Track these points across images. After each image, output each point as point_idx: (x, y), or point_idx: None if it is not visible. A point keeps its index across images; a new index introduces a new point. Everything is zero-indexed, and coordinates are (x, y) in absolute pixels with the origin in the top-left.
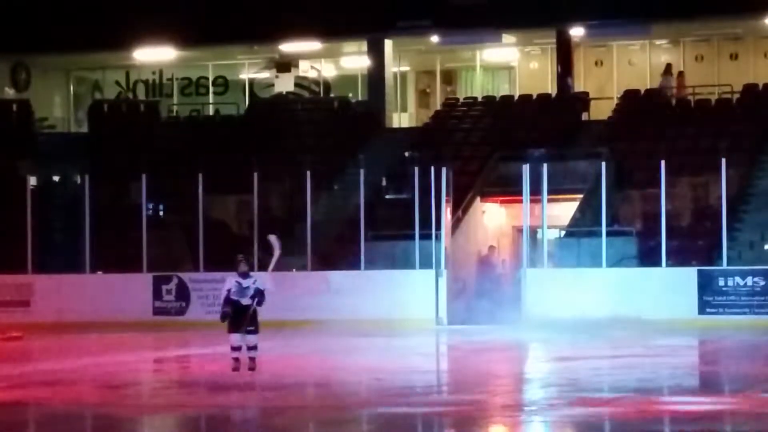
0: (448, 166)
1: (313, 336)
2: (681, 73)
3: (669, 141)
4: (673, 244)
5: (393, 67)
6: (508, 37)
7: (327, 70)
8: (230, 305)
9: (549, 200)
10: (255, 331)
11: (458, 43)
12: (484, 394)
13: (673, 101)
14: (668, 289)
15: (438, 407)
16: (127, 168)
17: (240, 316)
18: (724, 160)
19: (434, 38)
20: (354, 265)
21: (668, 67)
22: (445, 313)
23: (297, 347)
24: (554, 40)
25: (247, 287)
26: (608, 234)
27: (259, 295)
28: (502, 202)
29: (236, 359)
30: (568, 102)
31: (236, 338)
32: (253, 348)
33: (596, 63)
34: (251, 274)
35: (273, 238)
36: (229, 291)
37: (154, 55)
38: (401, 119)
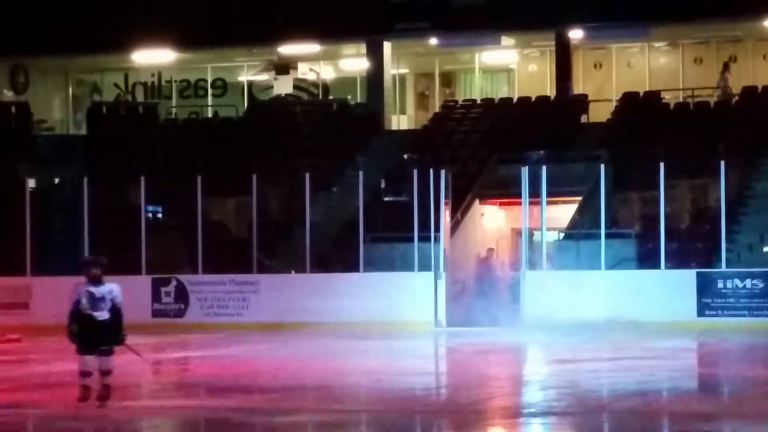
0: (447, 169)
1: (312, 338)
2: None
3: (668, 143)
4: (672, 246)
5: (392, 69)
6: (506, 40)
7: (326, 72)
8: (79, 321)
9: (548, 202)
10: (109, 352)
11: (457, 45)
12: (483, 397)
13: (733, 99)
14: (667, 292)
15: (437, 409)
16: (125, 170)
17: (92, 334)
18: (723, 163)
19: (433, 40)
20: (353, 267)
21: (726, 65)
22: (444, 315)
23: (296, 349)
24: (553, 43)
25: (101, 297)
26: (607, 236)
27: (117, 313)
28: (501, 204)
29: (86, 387)
30: (567, 104)
31: (88, 361)
32: (107, 373)
33: (595, 65)
34: (105, 280)
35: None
36: (77, 303)
37: (153, 58)
38: (400, 121)
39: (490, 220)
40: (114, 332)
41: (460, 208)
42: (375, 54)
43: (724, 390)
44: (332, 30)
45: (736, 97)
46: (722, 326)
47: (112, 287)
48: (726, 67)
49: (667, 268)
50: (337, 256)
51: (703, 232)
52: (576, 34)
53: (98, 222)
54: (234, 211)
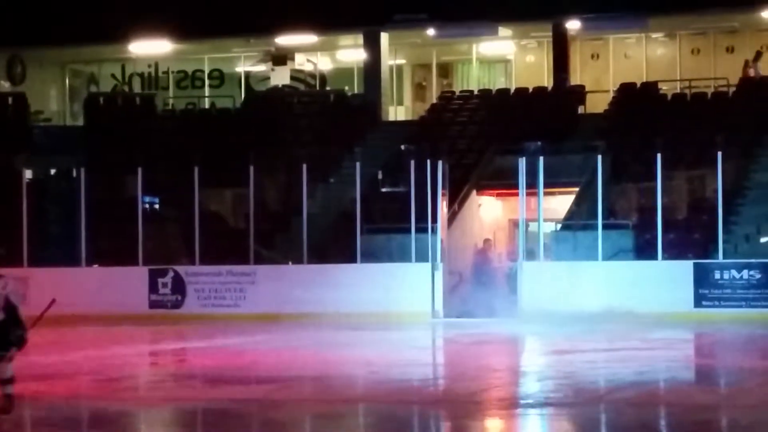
0: (444, 160)
1: (309, 329)
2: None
3: (665, 134)
4: (669, 237)
5: (389, 60)
6: (504, 30)
7: (323, 63)
8: None
9: (545, 193)
10: (6, 358)
11: (454, 36)
12: (480, 387)
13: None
14: (664, 283)
15: (434, 400)
16: (122, 161)
17: None
18: (720, 154)
19: (430, 31)
20: (350, 258)
21: (758, 54)
22: (441, 306)
23: (293, 340)
24: (550, 33)
25: None
26: (604, 227)
27: (11, 311)
28: (498, 195)
29: None
30: (564, 95)
31: None
32: (7, 382)
33: (592, 56)
34: (2, 273)
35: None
36: None
37: (150, 48)
38: (397, 112)
39: (488, 211)
40: (7, 334)
41: (457, 199)
42: (372, 45)
43: (721, 381)
44: (329, 21)
45: (733, 88)
46: (719, 317)
47: (6, 281)
48: (757, 56)
49: (664, 259)
50: (335, 247)
51: (700, 223)
52: (573, 25)
53: (95, 213)
54: (231, 202)
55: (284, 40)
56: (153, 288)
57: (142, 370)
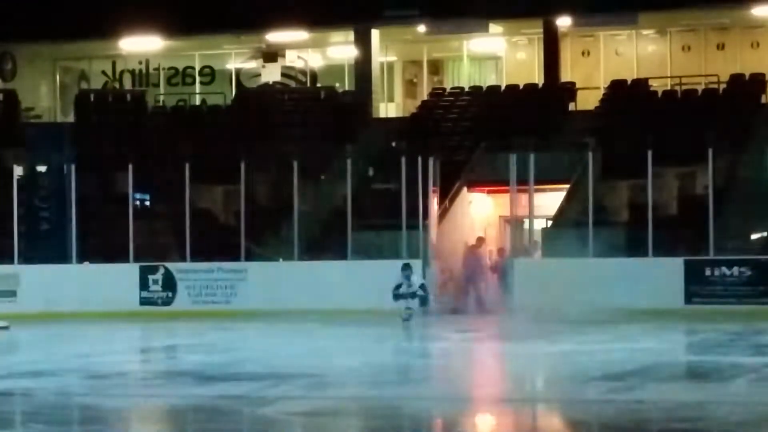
0: (435, 156)
1: (300, 326)
2: None
3: (655, 131)
4: (660, 234)
5: (380, 56)
6: (495, 27)
7: (314, 60)
8: None
9: (536, 190)
10: None
11: (445, 32)
12: (470, 384)
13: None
14: (655, 279)
15: (425, 397)
16: (113, 158)
17: None
18: (710, 150)
19: (421, 28)
20: (341, 255)
21: None
22: (433, 302)
23: (284, 337)
24: (541, 30)
25: None
26: (595, 224)
27: None
28: (489, 192)
29: None
30: (554, 92)
31: None
32: None
33: (583, 53)
34: None
35: None
36: None
37: (141, 45)
38: (388, 109)
39: (478, 207)
40: None
41: (448, 195)
42: (363, 41)
43: (711, 377)
44: (320, 17)
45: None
46: (710, 313)
47: None
48: None
49: (654, 255)
50: (326, 243)
51: (690, 220)
52: (564, 22)
53: (86, 210)
54: (222, 199)
55: (275, 36)
56: (144, 285)
57: (132, 367)
